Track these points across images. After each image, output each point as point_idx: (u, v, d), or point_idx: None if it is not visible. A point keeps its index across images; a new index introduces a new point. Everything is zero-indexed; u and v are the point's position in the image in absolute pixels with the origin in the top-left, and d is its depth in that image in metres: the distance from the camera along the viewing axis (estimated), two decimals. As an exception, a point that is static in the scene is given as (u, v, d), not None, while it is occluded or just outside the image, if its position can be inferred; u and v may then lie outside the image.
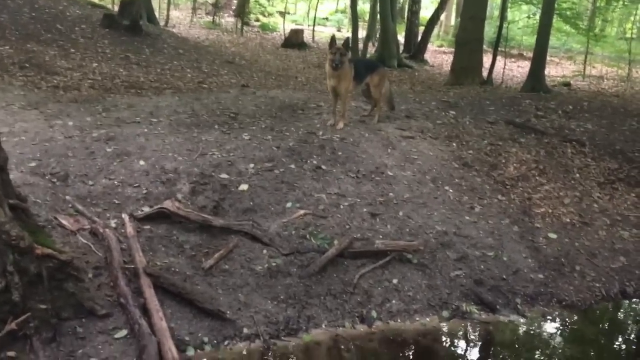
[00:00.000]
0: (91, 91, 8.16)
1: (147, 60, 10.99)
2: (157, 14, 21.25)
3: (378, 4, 18.56)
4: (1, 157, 3.49)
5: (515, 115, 8.96)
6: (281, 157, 5.77)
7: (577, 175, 7.07)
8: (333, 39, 6.46)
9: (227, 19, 24.44)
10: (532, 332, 4.55)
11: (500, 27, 15.27)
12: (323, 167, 5.77)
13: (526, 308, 4.72)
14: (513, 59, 22.49)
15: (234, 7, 25.74)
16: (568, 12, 16.98)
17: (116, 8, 15.67)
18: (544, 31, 11.97)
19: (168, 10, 20.90)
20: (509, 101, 9.87)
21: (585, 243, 5.68)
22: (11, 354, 3.26)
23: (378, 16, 19.26)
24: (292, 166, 5.67)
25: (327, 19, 32.95)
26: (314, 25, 23.23)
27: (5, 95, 6.73)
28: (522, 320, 4.59)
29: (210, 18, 23.76)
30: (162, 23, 19.35)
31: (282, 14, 27.47)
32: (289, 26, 23.48)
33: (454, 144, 7.13)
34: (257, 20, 26.99)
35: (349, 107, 7.30)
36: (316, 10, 24.29)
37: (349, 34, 17.90)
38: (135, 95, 8.15)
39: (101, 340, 3.51)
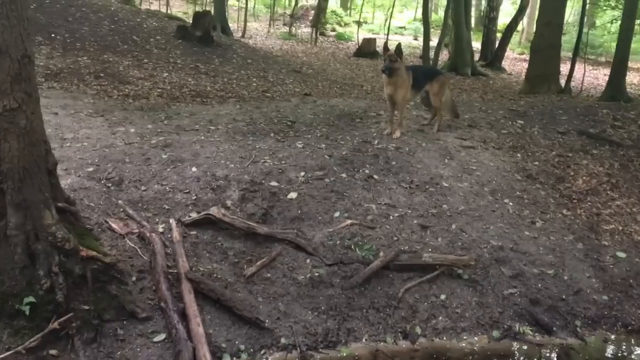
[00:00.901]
0: (159, 100, 8.47)
1: (215, 70, 11.28)
2: (235, 25, 21.96)
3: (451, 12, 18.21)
4: (51, 162, 3.65)
5: (589, 125, 8.43)
6: (333, 166, 5.71)
7: (655, 190, 6.54)
8: (385, 45, 6.34)
9: (304, 30, 24.81)
10: (591, 357, 4.21)
11: (580, 33, 14.51)
12: (375, 176, 5.65)
13: (586, 331, 4.39)
14: (599, 67, 21.39)
15: (311, 18, 26.09)
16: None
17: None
18: (625, 36, 11.24)
19: (245, 22, 21.48)
20: (584, 110, 9.31)
21: (659, 264, 5.22)
22: (53, 352, 3.37)
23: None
24: (344, 175, 5.59)
25: (404, 27, 32.76)
26: (387, 34, 23.10)
27: (75, 102, 7.10)
28: (581, 344, 4.26)
29: (287, 29, 24.18)
30: (239, 34, 19.92)
31: (358, 23, 27.56)
32: (365, 36, 23.49)
33: (519, 155, 6.79)
34: (334, 30, 27.25)
35: (407, 115, 7.13)
36: (390, 18, 24.13)
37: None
38: (199, 104, 8.38)
39: (140, 343, 3.56)
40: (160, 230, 4.45)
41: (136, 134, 6.09)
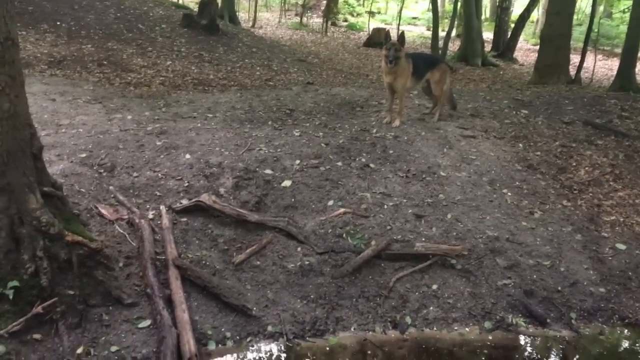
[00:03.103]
0: (160, 88, 8.44)
1: (219, 59, 11.24)
2: (247, 15, 21.88)
3: (461, 1, 18.03)
4: (36, 146, 3.62)
5: (596, 115, 8.28)
6: (329, 155, 5.65)
7: (660, 181, 6.40)
8: (387, 34, 6.25)
9: (316, 20, 24.71)
10: (585, 349, 4.13)
11: (591, 23, 14.29)
12: (371, 165, 5.59)
13: (582, 324, 4.30)
14: (615, 58, 21.04)
15: (322, 8, 25.95)
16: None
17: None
18: (635, 24, 10.98)
19: (255, 11, 21.40)
20: (591, 101, 9.15)
21: (660, 256, 5.11)
22: (37, 336, 3.36)
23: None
24: (339, 164, 5.53)
25: (417, 18, 32.53)
26: (398, 24, 22.92)
27: (74, 89, 7.09)
28: (575, 336, 4.18)
29: (298, 19, 24.06)
30: (249, 24, 19.86)
31: (370, 13, 27.36)
32: (378, 26, 23.32)
33: (520, 145, 6.68)
34: (345, 20, 27.09)
35: (408, 104, 7.05)
36: (401, 8, 23.96)
37: (442, 34, 17.51)
38: (200, 92, 8.34)
39: (124, 329, 3.55)
40: (150, 216, 4.43)
41: (133, 120, 6.07)
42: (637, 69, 12.11)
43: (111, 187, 4.63)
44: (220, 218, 4.56)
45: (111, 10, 12.49)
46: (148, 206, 4.57)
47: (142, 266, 3.91)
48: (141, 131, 5.69)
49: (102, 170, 4.84)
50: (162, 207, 4.49)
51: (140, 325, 3.58)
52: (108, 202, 4.48)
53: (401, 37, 6.17)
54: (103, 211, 4.33)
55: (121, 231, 4.19)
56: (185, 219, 4.48)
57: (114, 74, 8.86)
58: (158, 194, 4.71)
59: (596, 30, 16.96)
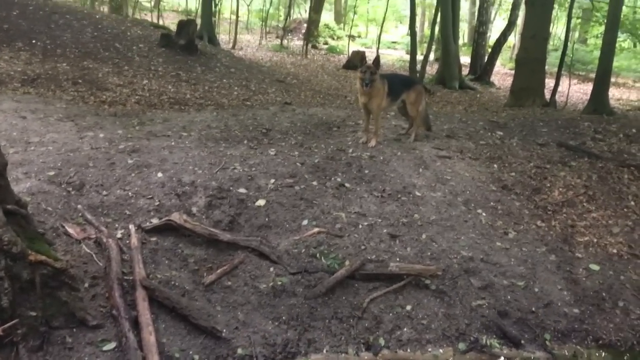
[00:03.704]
0: (136, 106, 8.36)
1: (196, 78, 11.20)
2: (227, 37, 21.94)
3: (438, 25, 18.30)
4: (0, 163, 3.53)
5: (569, 137, 8.39)
6: (304, 174, 5.61)
7: (632, 203, 6.45)
8: (363, 56, 6.30)
9: (296, 42, 24.89)
10: (559, 371, 4.11)
11: (565, 47, 14.60)
12: (347, 185, 5.55)
13: (556, 345, 4.27)
14: (590, 83, 21.48)
15: (303, 31, 26.17)
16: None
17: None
18: (607, 49, 11.26)
19: (236, 33, 21.48)
20: (565, 123, 9.28)
21: (633, 277, 5.12)
22: (-5, 360, 3.24)
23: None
24: (314, 183, 5.49)
25: (396, 42, 33.00)
26: (377, 47, 23.19)
27: (46, 107, 6.97)
28: (549, 357, 4.15)
29: (279, 41, 24.21)
30: (230, 46, 19.92)
31: (351, 37, 27.64)
32: (357, 49, 23.56)
33: (495, 166, 6.72)
34: (326, 43, 27.36)
35: (385, 125, 7.06)
36: (380, 32, 24.23)
37: (420, 57, 17.76)
38: (176, 111, 8.27)
39: (88, 352, 3.42)
40: (119, 236, 4.33)
41: (105, 139, 5.97)
42: (609, 93, 12.38)
43: (79, 206, 4.53)
44: (192, 237, 4.47)
45: (88, 29, 12.41)
46: (117, 225, 4.47)
47: (109, 287, 3.80)
48: (113, 149, 5.60)
49: (70, 189, 4.73)
50: (131, 227, 4.38)
51: (104, 348, 3.46)
52: (75, 221, 4.37)
53: (376, 60, 6.22)
54: (70, 230, 4.22)
55: (88, 251, 4.08)
56: (155, 239, 4.39)
57: (89, 92, 8.76)
58: (128, 212, 4.61)
59: (571, 55, 17.34)
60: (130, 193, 4.82)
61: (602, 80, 11.56)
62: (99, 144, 5.75)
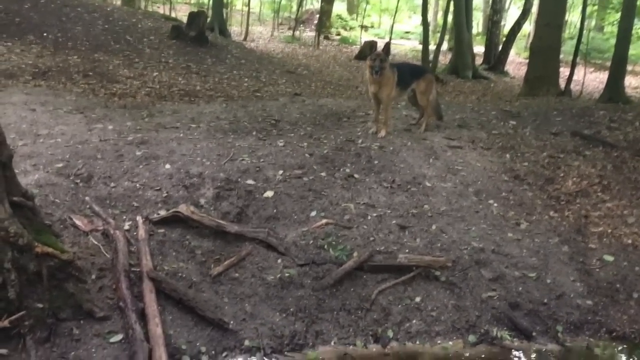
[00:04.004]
0: (146, 98, 8.35)
1: (207, 70, 11.18)
2: (240, 28, 21.89)
3: (451, 14, 18.08)
4: (5, 154, 3.51)
5: (584, 126, 8.25)
6: (312, 165, 5.56)
7: (648, 192, 6.34)
8: (373, 45, 6.21)
9: (309, 34, 24.75)
10: (570, 364, 4.04)
11: (580, 35, 14.33)
12: (356, 175, 5.50)
13: (568, 337, 4.21)
14: (606, 71, 21.10)
15: (315, 22, 26.05)
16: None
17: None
18: (623, 36, 11.01)
19: (247, 24, 21.40)
20: (580, 112, 9.12)
21: (648, 268, 5.03)
22: (3, 351, 3.23)
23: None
24: (323, 174, 5.44)
25: (409, 32, 32.70)
26: (390, 37, 23.05)
27: (56, 100, 6.99)
28: (561, 350, 4.09)
29: (291, 33, 24.11)
30: (242, 37, 19.88)
31: (363, 27, 27.44)
32: (369, 39, 23.39)
33: (507, 156, 6.62)
34: (338, 34, 27.18)
35: (395, 115, 6.99)
36: (393, 22, 24.08)
37: (433, 47, 17.56)
38: (186, 103, 8.26)
39: (95, 344, 3.42)
40: (127, 227, 4.32)
41: (114, 131, 5.97)
42: (626, 81, 12.15)
43: (87, 198, 4.52)
44: (199, 229, 4.45)
45: (99, 21, 12.43)
46: (125, 217, 4.46)
47: (116, 278, 3.79)
48: (121, 141, 5.59)
49: (78, 181, 4.73)
50: (138, 218, 4.37)
51: (111, 340, 3.46)
52: (83, 212, 4.36)
53: (386, 47, 6.13)
54: (77, 222, 4.21)
55: (95, 242, 4.07)
56: (162, 230, 4.37)
57: (99, 84, 8.77)
58: (135, 204, 4.60)
59: (586, 43, 17.05)
60: (137, 185, 4.81)
61: (618, 68, 11.33)
62: (107, 136, 5.75)
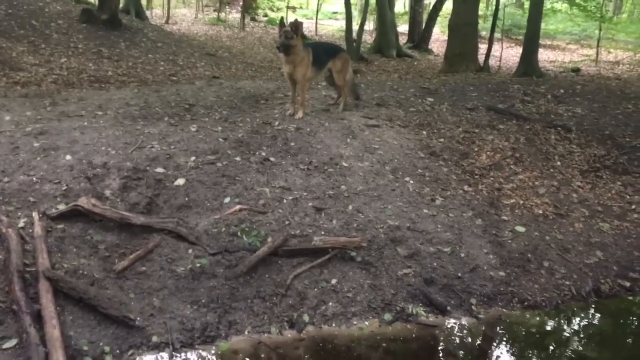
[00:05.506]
0: (52, 86, 7.86)
1: (120, 54, 10.66)
2: (161, 11, 21.04)
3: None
4: None
5: (499, 101, 8.46)
6: (227, 149, 5.39)
7: (558, 163, 6.59)
8: (282, 21, 6.05)
9: (235, 15, 24.13)
10: (483, 335, 4.12)
11: (497, 11, 14.70)
12: (271, 159, 5.37)
13: (482, 309, 4.29)
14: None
15: (242, 3, 25.45)
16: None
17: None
18: (535, 12, 11.39)
19: (169, 7, 20.63)
20: (495, 87, 9.35)
21: (558, 237, 5.22)
22: None
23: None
24: (237, 159, 5.28)
25: (337, 12, 32.55)
26: (316, 18, 22.85)
27: (-55, 91, 6.45)
28: (475, 322, 4.16)
29: (216, 14, 23.44)
30: (164, 20, 19.16)
31: (291, 8, 27.06)
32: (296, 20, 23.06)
33: (424, 132, 6.68)
34: (266, 15, 26.69)
35: (313, 95, 6.89)
36: (319, 3, 23.90)
37: (357, 27, 17.50)
38: (95, 90, 7.83)
39: (-14, 352, 3.17)
40: (21, 225, 4.02)
41: (11, 121, 5.56)
42: (543, 55, 12.57)
43: (-24, 195, 4.18)
44: (102, 223, 4.21)
45: (1, 6, 11.58)
46: (20, 214, 4.15)
47: (8, 280, 3.53)
48: (18, 132, 5.21)
49: (-34, 177, 4.37)
50: (34, 214, 4.08)
51: (5, 346, 3.24)
52: (-28, 211, 4.03)
53: (294, 24, 5.94)
54: (-36, 222, 3.88)
55: (-15, 243, 3.77)
56: (61, 226, 4.10)
57: (1, 73, 8.17)
58: (32, 199, 4.29)
59: (503, 19, 17.51)
60: (34, 178, 4.48)
61: (531, 42, 11.71)
62: (3, 127, 5.34)
